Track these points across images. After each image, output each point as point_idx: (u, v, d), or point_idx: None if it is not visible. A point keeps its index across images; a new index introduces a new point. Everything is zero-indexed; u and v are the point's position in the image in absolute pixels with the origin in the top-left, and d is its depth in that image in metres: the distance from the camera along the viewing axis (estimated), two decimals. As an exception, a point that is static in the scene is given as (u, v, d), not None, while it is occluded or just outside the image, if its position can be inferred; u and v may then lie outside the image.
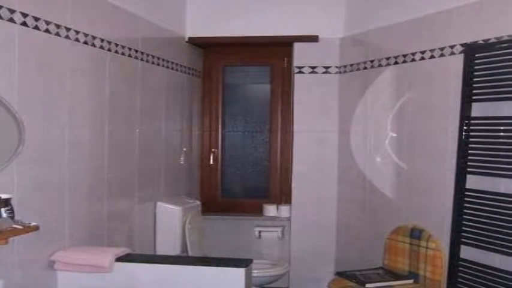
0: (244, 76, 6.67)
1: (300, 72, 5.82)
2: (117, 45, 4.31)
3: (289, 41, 5.85)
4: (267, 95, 6.35)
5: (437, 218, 4.29)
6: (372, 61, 5.19)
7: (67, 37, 3.66)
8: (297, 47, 5.86)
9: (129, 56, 4.53)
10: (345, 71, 5.64)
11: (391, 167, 4.96)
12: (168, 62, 5.27)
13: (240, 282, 3.53)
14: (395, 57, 4.85)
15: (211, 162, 6.32)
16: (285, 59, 6.16)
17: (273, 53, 6.22)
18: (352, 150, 5.52)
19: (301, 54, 5.84)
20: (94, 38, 3.99)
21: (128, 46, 4.49)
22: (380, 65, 5.07)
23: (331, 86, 5.76)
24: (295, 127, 5.86)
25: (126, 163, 4.56)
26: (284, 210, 6.03)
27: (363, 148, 5.36)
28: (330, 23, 5.73)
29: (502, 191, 3.68)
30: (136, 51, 4.65)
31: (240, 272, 3.54)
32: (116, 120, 4.34)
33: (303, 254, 5.81)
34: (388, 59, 4.96)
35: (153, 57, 4.96)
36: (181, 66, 5.62)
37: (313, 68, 5.79)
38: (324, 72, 5.78)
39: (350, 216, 5.60)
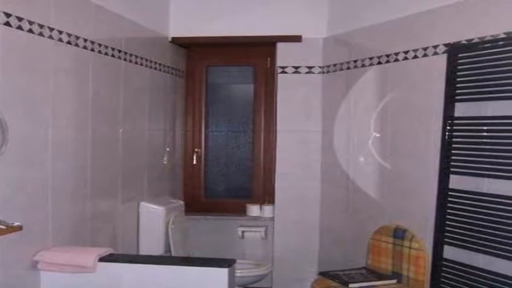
0: (227, 76, 6.67)
1: (283, 72, 5.82)
2: (100, 45, 4.29)
3: (272, 41, 5.86)
4: (250, 95, 6.33)
5: (421, 218, 4.31)
6: (355, 61, 5.21)
7: (50, 37, 3.64)
8: (280, 47, 5.87)
9: (113, 56, 4.51)
10: (328, 71, 5.65)
11: (374, 167, 4.99)
12: (151, 62, 5.25)
13: (223, 282, 3.52)
14: (379, 57, 4.87)
15: (194, 162, 6.31)
16: (268, 59, 6.15)
17: (256, 53, 6.21)
18: (335, 150, 5.53)
19: (284, 54, 5.85)
20: (77, 38, 3.97)
21: (111, 46, 4.47)
22: (363, 65, 5.09)
23: (315, 86, 5.77)
24: (279, 127, 5.86)
25: (109, 163, 4.53)
26: (267, 210, 6.02)
27: (346, 148, 5.38)
28: (313, 23, 5.74)
29: (485, 191, 3.70)
30: (120, 51, 4.63)
31: (223, 272, 3.54)
32: (99, 120, 4.32)
33: (286, 254, 5.81)
34: (371, 59, 4.98)
35: (136, 57, 4.94)
36: (164, 66, 5.61)
37: (296, 68, 5.79)
38: (307, 72, 5.79)
39: (333, 216, 5.60)
